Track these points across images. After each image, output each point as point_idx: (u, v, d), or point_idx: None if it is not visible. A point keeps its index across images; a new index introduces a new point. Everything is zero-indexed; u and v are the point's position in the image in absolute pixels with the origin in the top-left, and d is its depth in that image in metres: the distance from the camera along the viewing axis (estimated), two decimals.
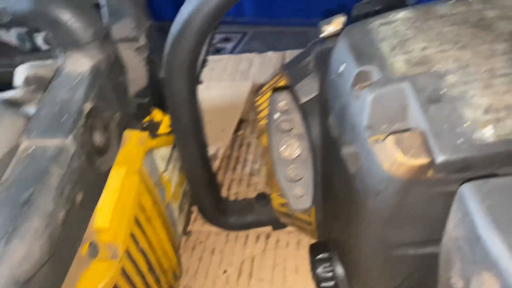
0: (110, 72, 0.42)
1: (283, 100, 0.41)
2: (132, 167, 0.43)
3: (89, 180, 0.37)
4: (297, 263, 0.57)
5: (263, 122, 0.49)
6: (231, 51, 1.48)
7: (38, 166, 0.35)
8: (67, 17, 0.40)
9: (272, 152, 0.40)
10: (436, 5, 0.36)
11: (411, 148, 0.29)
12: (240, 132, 0.81)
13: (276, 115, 0.41)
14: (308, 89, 0.46)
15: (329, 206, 0.43)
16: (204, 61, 0.81)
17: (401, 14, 0.36)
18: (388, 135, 0.30)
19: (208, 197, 0.57)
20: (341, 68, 0.36)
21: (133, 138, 0.46)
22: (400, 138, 0.30)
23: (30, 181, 0.34)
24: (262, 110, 0.51)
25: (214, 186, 0.58)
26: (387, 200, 0.32)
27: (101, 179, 0.39)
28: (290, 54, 1.03)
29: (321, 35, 0.53)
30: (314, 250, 0.49)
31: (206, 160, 0.53)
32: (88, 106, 0.38)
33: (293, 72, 0.51)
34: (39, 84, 0.47)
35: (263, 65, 1.01)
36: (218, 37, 1.57)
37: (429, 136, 0.29)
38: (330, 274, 0.46)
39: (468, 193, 0.28)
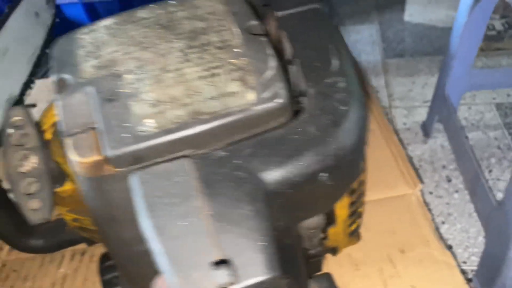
0: None
1: (18, 116, 0.41)
2: None
3: None
4: None
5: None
6: None
7: None
8: None
9: (6, 166, 0.40)
10: (138, 10, 0.38)
11: (85, 147, 0.31)
12: None
13: (10, 130, 0.40)
14: None
15: None
16: (29, 82, 0.77)
17: (104, 21, 0.38)
18: (67, 137, 0.32)
19: (7, 223, 0.54)
20: (52, 78, 0.36)
21: None
22: (77, 139, 0.31)
23: None
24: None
25: (12, 209, 0.55)
26: (93, 200, 0.33)
27: None
28: None
29: None
30: (102, 259, 0.49)
31: None
32: None
33: None
34: None
35: None
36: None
37: (102, 133, 0.31)
38: (115, 280, 0.47)
39: (133, 183, 0.30)
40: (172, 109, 0.31)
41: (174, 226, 0.27)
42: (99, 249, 0.62)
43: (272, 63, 0.34)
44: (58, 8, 1.53)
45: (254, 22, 0.37)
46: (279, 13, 0.39)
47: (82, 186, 0.33)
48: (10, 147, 0.41)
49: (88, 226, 0.50)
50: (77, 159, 0.30)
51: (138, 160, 0.31)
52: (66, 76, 0.34)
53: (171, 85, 0.32)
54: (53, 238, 0.60)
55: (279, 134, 0.31)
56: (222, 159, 0.30)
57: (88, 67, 0.34)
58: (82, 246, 0.62)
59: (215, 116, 0.31)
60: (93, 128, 0.32)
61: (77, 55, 0.35)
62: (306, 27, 0.38)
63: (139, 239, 0.37)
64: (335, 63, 0.35)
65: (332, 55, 0.35)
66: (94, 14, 1.60)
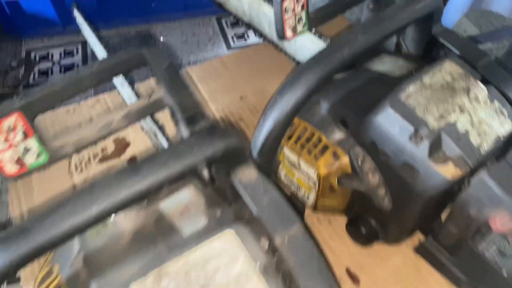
0: None
1: (360, 154, 0.66)
2: None
3: None
4: (329, 233, 0.85)
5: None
6: None
7: None
8: None
9: (365, 184, 0.66)
10: (421, 77, 0.66)
11: (461, 165, 0.60)
12: None
13: (359, 162, 0.66)
14: (337, 135, 0.72)
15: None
16: None
17: (411, 89, 0.65)
18: (446, 160, 0.61)
19: None
20: (397, 128, 0.63)
21: None
22: (455, 161, 0.61)
23: None
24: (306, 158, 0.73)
25: None
26: (440, 191, 0.63)
27: None
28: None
29: None
30: (355, 223, 0.78)
31: None
32: None
33: (318, 123, 0.74)
34: None
35: None
36: None
37: (465, 157, 0.61)
38: (372, 231, 0.76)
39: (484, 177, 0.61)
40: (487, 136, 0.62)
41: None
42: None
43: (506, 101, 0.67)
44: None
45: (477, 74, 0.68)
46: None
47: (439, 184, 0.62)
48: (363, 172, 0.66)
49: (336, 207, 0.79)
50: (459, 173, 0.60)
51: (481, 163, 0.62)
52: (420, 128, 0.62)
53: (479, 123, 0.63)
54: None
55: None
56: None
57: (432, 121, 0.62)
58: None
59: (502, 136, 0.63)
60: (454, 155, 0.61)
61: (417, 113, 0.62)
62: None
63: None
64: None
65: None
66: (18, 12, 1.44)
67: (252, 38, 1.50)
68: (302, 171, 0.76)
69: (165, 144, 0.92)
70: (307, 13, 0.67)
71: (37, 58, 1.44)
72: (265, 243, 0.52)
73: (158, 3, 1.49)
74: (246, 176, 0.56)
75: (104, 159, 0.96)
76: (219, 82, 1.12)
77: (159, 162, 0.49)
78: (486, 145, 0.63)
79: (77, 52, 1.47)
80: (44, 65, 1.43)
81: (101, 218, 0.47)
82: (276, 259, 0.51)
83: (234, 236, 0.51)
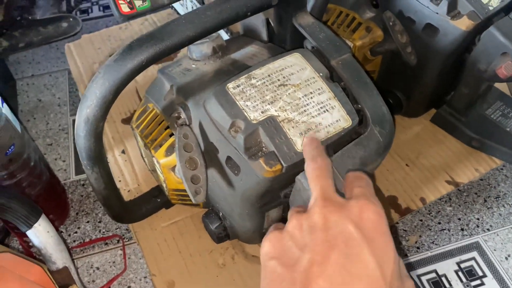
0: None
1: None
2: None
3: None
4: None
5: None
6: None
7: None
8: None
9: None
10: None
11: (473, 18, 0.75)
12: None
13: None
14: (368, 14, 0.86)
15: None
16: None
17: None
18: (461, 15, 0.75)
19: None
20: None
21: None
22: (468, 15, 0.75)
23: None
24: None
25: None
26: (457, 44, 0.78)
27: None
28: None
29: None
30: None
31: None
32: None
33: (352, 6, 0.87)
34: None
35: None
36: None
37: (476, 12, 0.75)
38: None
39: (492, 30, 0.76)
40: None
41: None
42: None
43: None
44: None
45: None
46: None
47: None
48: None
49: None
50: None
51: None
52: None
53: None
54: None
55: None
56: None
57: None
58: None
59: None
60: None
61: None
62: None
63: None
64: None
65: None
66: None
67: None
68: None
69: None
70: None
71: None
72: (323, 64, 0.65)
73: None
74: (305, 20, 0.71)
75: None
76: None
77: None
78: (493, 3, 0.77)
79: None
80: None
81: (209, 32, 0.61)
82: (334, 74, 0.66)
83: (300, 57, 0.65)
